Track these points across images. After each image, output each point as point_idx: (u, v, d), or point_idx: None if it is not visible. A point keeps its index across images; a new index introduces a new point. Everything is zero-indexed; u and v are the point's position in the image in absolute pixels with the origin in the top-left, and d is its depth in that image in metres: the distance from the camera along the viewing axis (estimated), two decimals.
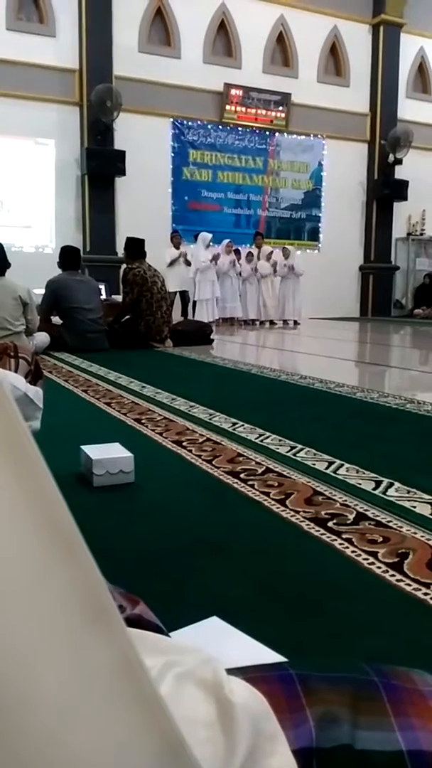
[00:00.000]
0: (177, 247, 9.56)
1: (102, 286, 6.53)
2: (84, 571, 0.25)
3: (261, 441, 2.36)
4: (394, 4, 11.88)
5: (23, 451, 0.25)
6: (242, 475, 1.93)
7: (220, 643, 0.90)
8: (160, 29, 10.45)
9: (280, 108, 11.45)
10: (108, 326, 5.87)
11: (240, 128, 11.31)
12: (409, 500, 1.70)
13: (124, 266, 6.19)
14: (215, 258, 9.26)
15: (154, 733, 0.26)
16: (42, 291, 5.55)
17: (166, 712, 0.27)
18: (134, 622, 0.58)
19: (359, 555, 1.34)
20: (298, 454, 2.17)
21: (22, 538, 0.24)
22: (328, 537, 1.44)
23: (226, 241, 9.84)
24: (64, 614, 0.24)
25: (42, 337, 5.20)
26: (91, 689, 0.25)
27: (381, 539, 1.43)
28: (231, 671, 0.45)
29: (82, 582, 0.25)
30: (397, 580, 1.23)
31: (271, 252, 10.17)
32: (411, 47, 12.55)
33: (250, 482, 1.86)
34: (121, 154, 9.70)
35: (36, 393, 1.71)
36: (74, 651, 0.24)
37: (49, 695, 0.24)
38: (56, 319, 5.68)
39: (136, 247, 6.06)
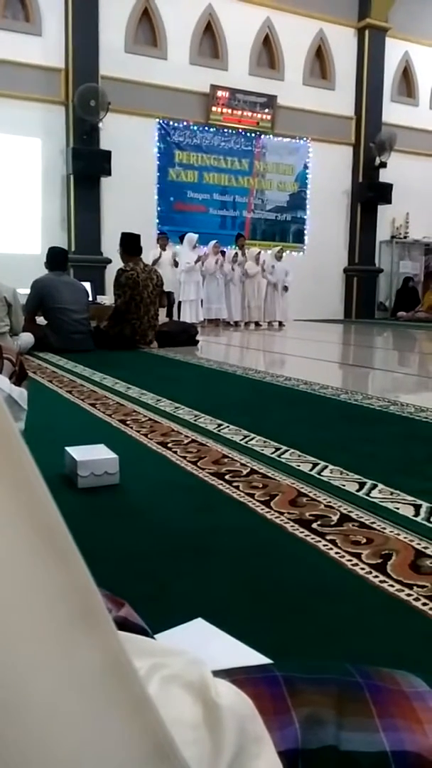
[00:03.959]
0: (163, 248, 9.56)
1: (87, 285, 6.49)
2: (75, 575, 0.26)
3: (246, 442, 2.36)
4: (379, 9, 11.96)
5: (14, 455, 0.25)
6: (227, 477, 1.93)
7: (206, 645, 0.90)
8: (147, 30, 10.44)
9: (266, 110, 11.48)
10: (95, 327, 5.86)
11: (226, 130, 11.32)
12: (392, 502, 1.71)
13: (119, 267, 6.11)
14: (200, 260, 9.28)
15: (143, 733, 0.27)
16: (27, 291, 5.52)
17: (155, 712, 0.28)
18: (120, 624, 0.58)
19: (343, 556, 1.35)
20: (282, 456, 2.18)
21: (15, 543, 0.24)
22: (313, 538, 1.45)
23: (213, 242, 9.85)
24: (56, 618, 0.25)
25: (26, 338, 5.17)
26: (81, 692, 0.25)
27: (364, 540, 1.44)
28: (217, 673, 0.45)
29: (74, 586, 0.25)
30: (381, 581, 1.23)
31: (259, 253, 10.19)
32: (396, 51, 12.65)
33: (235, 484, 1.87)
34: (107, 154, 9.67)
35: (20, 394, 1.69)
36: (65, 654, 0.25)
37: (38, 700, 0.24)
38: (41, 320, 5.65)
39: (131, 243, 6.01)
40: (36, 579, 0.24)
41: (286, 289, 10.25)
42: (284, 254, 10.49)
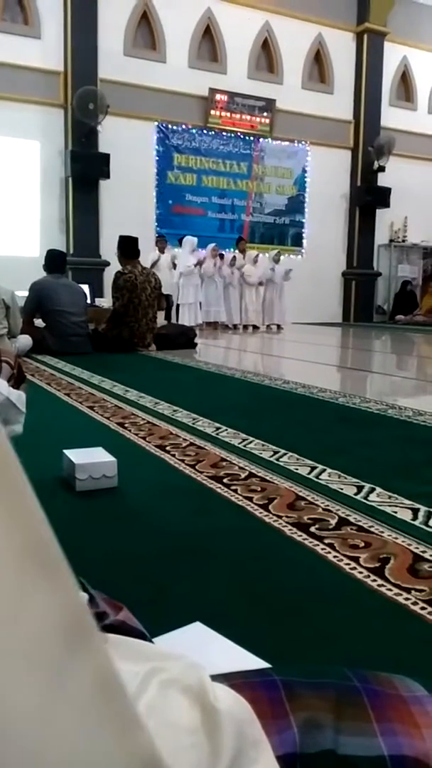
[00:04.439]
0: (162, 251, 9.57)
1: (85, 287, 6.50)
2: (66, 593, 0.25)
3: (244, 446, 2.36)
4: (378, 13, 12.01)
5: (3, 467, 0.25)
6: (225, 480, 1.93)
7: (204, 649, 0.90)
8: (146, 33, 10.46)
9: (265, 114, 11.50)
10: (93, 330, 5.86)
11: (224, 133, 11.35)
12: (390, 505, 1.71)
13: (117, 269, 6.11)
14: (200, 263, 9.29)
15: (133, 755, 0.26)
16: (25, 293, 5.52)
17: (145, 733, 0.27)
18: (118, 628, 0.58)
19: (341, 560, 1.35)
20: (280, 459, 2.18)
21: (2, 560, 0.24)
22: (311, 542, 1.45)
23: (212, 245, 9.87)
24: (46, 639, 0.24)
25: (24, 340, 5.17)
26: (70, 714, 0.24)
27: (363, 544, 1.44)
28: (215, 677, 0.45)
29: (64, 604, 0.25)
30: (379, 585, 1.23)
31: (257, 256, 10.22)
32: (394, 56, 12.69)
33: (233, 487, 1.86)
34: (106, 157, 9.69)
35: (19, 397, 1.69)
36: (54, 676, 0.24)
37: (27, 720, 0.23)
38: (39, 322, 5.65)
39: (130, 246, 6.01)
40: (25, 598, 0.24)
41: (287, 275, 10.14)
42: (282, 257, 10.51)
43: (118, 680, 0.26)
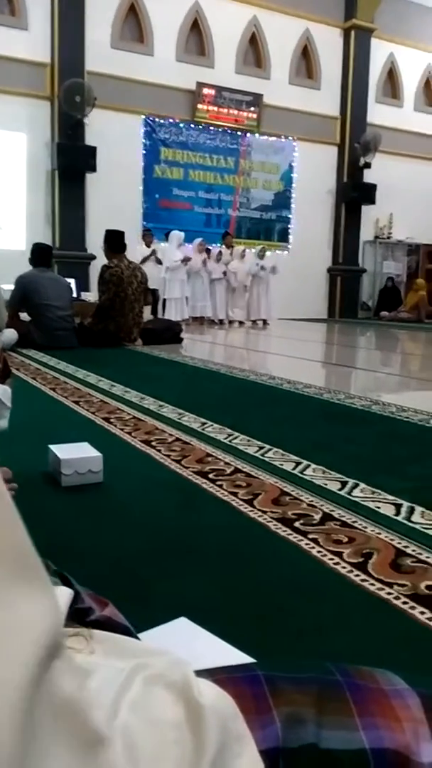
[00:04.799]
0: (148, 245, 9.54)
1: (71, 281, 6.46)
2: (49, 603, 0.24)
3: (230, 441, 2.37)
4: (365, 10, 12.02)
5: None
6: (211, 475, 1.94)
7: (189, 644, 0.90)
8: (133, 26, 10.39)
9: (252, 108, 11.49)
10: (79, 324, 5.84)
11: (212, 127, 11.32)
12: (373, 501, 1.73)
13: (103, 263, 6.09)
14: (186, 260, 9.27)
15: None
16: (11, 287, 5.48)
17: (114, 755, 0.27)
18: (103, 624, 0.58)
19: (325, 555, 1.36)
20: (266, 455, 2.19)
21: None
22: (295, 537, 1.46)
23: (198, 240, 9.85)
24: (31, 650, 0.23)
25: (10, 334, 5.13)
26: (38, 731, 0.23)
27: (346, 539, 1.45)
28: (199, 673, 0.45)
29: (48, 614, 0.24)
30: (362, 580, 1.25)
31: (244, 251, 10.21)
32: (381, 52, 12.71)
33: (218, 482, 1.87)
34: (93, 150, 9.63)
35: (4, 392, 1.69)
36: (31, 692, 0.23)
37: (5, 737, 0.22)
38: (24, 316, 5.61)
39: (116, 240, 6.00)
40: (9, 603, 0.23)
41: (266, 269, 10.17)
42: (267, 253, 10.51)
43: (88, 702, 0.26)
